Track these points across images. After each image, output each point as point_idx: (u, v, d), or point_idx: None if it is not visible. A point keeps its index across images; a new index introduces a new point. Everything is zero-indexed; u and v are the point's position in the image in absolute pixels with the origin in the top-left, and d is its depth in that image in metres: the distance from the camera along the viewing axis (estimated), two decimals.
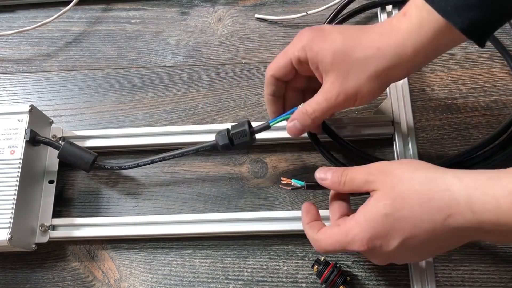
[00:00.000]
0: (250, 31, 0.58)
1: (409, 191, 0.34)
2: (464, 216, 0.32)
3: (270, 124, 0.44)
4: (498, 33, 0.53)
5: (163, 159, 0.48)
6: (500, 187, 0.31)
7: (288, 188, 0.43)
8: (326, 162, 0.48)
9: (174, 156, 0.47)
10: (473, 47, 0.54)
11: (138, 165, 0.49)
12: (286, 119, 0.43)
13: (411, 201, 0.33)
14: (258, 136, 0.45)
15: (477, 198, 0.31)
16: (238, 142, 0.44)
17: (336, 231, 0.37)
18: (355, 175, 0.38)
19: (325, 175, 0.40)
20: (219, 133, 0.45)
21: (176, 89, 0.55)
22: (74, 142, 0.49)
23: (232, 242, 0.48)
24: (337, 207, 0.40)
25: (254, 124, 0.45)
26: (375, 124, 0.49)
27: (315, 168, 0.42)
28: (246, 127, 0.44)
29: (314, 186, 0.42)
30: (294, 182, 0.42)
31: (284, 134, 0.49)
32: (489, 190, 0.31)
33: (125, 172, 0.52)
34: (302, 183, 0.43)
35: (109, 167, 0.49)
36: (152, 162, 0.48)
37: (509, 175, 0.31)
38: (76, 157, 0.48)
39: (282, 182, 0.43)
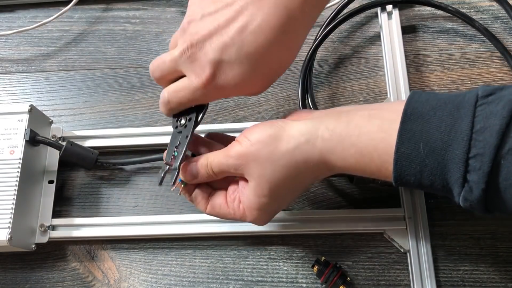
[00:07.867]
0: None
1: (275, 177, 0.37)
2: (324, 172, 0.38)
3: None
4: (498, 33, 0.53)
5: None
6: (324, 128, 0.36)
7: None
8: None
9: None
10: (473, 47, 0.54)
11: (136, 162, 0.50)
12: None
13: (282, 185, 0.38)
14: None
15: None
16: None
17: (229, 212, 0.41)
18: (221, 164, 0.39)
19: (191, 173, 0.40)
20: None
21: None
22: (74, 142, 0.49)
23: (232, 242, 0.48)
24: (202, 191, 0.41)
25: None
26: None
27: None
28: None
29: None
30: None
31: None
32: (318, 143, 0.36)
33: (125, 172, 0.52)
34: None
35: (111, 164, 0.50)
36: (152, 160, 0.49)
37: (330, 117, 0.37)
38: (78, 157, 0.49)
39: None
